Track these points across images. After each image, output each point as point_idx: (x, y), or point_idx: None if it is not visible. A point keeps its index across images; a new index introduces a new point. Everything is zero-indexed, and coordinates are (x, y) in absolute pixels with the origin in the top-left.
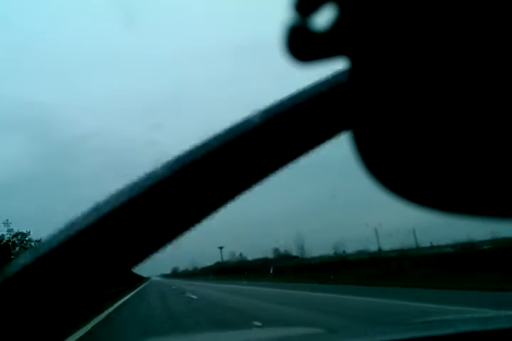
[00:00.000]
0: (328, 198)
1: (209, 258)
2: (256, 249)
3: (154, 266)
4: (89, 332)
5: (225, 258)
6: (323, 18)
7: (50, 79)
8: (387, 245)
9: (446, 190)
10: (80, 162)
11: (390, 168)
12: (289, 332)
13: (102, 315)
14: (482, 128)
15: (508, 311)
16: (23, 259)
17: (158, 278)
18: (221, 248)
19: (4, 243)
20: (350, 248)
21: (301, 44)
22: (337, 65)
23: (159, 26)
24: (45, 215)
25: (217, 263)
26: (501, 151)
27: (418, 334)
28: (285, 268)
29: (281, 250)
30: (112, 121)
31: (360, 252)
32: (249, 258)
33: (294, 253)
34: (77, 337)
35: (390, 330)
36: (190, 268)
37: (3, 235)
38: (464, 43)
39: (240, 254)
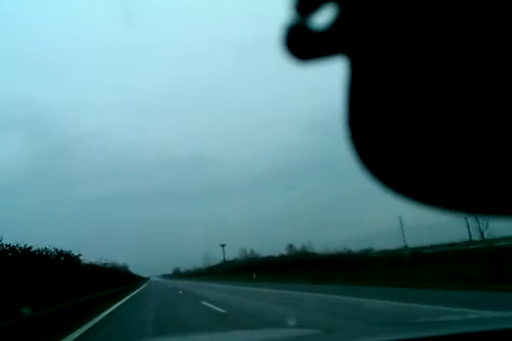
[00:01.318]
0: (341, 195)
1: (215, 257)
2: (269, 246)
3: (155, 266)
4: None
5: (235, 255)
6: (323, 18)
7: (50, 80)
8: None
9: (445, 187)
10: (77, 161)
11: (390, 167)
12: (287, 333)
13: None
14: (482, 127)
15: (507, 312)
16: None
17: (158, 279)
18: (223, 246)
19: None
20: (355, 246)
21: (301, 43)
22: (336, 64)
23: (159, 27)
24: (45, 215)
25: (222, 262)
26: (501, 150)
27: (416, 335)
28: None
29: (297, 246)
30: (111, 121)
31: (367, 250)
32: (263, 255)
33: (309, 249)
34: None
35: (388, 331)
36: (195, 268)
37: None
38: (463, 43)
39: (252, 251)
